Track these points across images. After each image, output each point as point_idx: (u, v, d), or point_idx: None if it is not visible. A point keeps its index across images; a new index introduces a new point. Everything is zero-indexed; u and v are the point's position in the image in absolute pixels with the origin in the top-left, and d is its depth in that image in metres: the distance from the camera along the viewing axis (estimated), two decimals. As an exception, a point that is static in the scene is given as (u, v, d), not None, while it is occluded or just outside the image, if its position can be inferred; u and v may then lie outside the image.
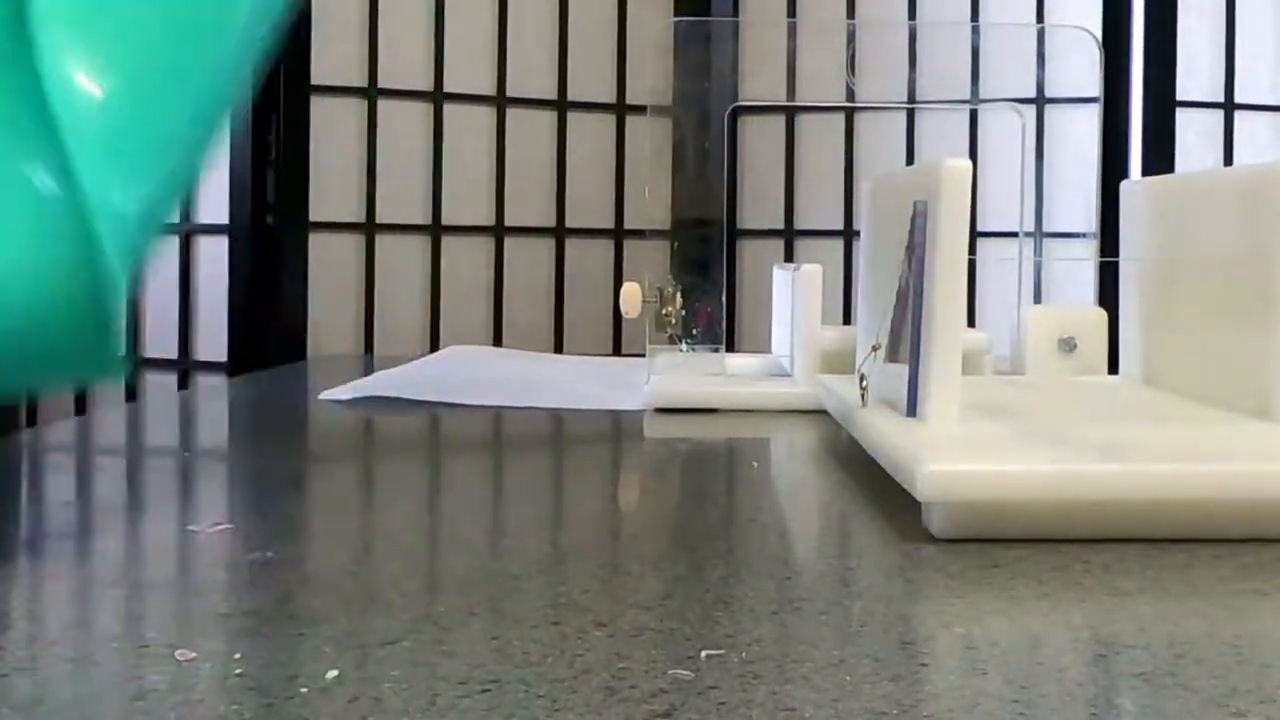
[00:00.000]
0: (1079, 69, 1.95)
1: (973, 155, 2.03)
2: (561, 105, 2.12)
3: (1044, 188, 2.02)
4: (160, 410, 1.06)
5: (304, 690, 0.35)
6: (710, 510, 0.63)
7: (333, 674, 0.36)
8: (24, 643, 0.39)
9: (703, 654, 0.38)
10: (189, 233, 2.00)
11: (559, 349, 2.10)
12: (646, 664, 0.37)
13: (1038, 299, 1.13)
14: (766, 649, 0.39)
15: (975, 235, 1.97)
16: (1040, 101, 2.01)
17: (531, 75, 2.10)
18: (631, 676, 0.36)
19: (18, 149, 0.46)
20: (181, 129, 0.52)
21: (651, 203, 1.12)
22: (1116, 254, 0.87)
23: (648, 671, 0.37)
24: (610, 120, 2.16)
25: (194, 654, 0.38)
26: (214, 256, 1.99)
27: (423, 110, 2.04)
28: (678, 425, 0.90)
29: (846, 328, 0.99)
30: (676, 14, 2.13)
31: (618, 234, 2.16)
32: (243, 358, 1.94)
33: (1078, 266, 1.40)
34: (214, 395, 1.18)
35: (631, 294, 1.04)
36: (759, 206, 2.19)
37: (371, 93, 1.99)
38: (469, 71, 2.06)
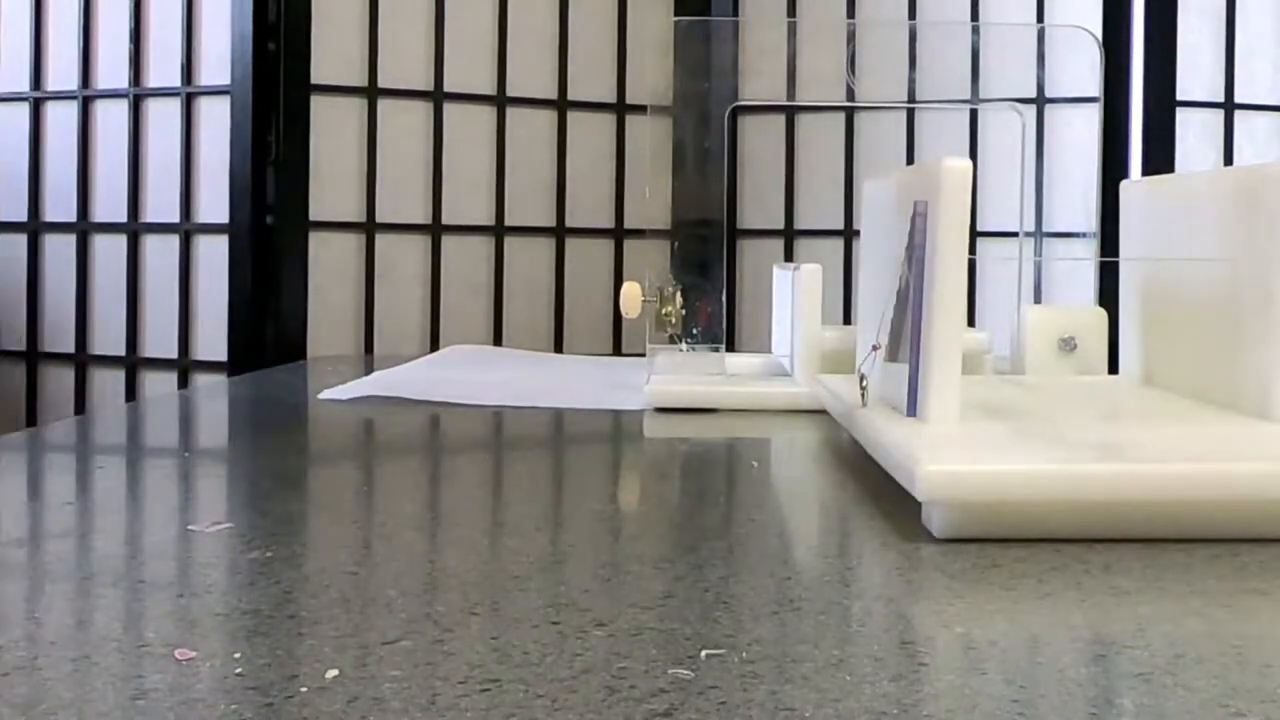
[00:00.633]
0: (1079, 69, 1.95)
1: (973, 155, 2.03)
2: (561, 105, 2.12)
3: (1044, 188, 2.02)
4: (160, 410, 1.06)
5: (304, 690, 0.35)
6: (710, 510, 0.63)
7: (333, 674, 0.36)
8: (24, 643, 0.39)
9: (703, 654, 0.38)
10: (189, 232, 2.00)
11: (559, 349, 2.10)
12: (646, 664, 0.37)
13: (1038, 299, 1.13)
14: (766, 649, 0.39)
15: (975, 235, 1.96)
16: (1040, 101, 2.01)
17: (531, 75, 2.10)
18: (631, 676, 0.36)
19: None
20: None
21: (651, 203, 1.12)
22: (1116, 254, 0.87)
23: (648, 671, 0.37)
24: (610, 120, 2.16)
25: (194, 654, 0.38)
26: (214, 256, 1.99)
27: (423, 110, 2.04)
28: (678, 425, 0.90)
29: (846, 328, 0.99)
30: (676, 14, 2.13)
31: (618, 234, 2.16)
32: (242, 357, 1.94)
33: (1078, 266, 1.40)
34: (213, 395, 1.18)
35: (631, 294, 1.04)
36: (759, 206, 2.19)
37: (371, 93, 1.99)
38: (469, 71, 2.06)
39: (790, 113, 2.18)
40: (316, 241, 1.97)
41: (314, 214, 1.96)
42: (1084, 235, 1.94)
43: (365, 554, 0.52)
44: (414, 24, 2.03)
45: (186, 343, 2.02)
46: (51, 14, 2.08)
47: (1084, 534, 0.53)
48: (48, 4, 2.08)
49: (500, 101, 2.08)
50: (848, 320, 1.88)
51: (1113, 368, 0.91)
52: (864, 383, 0.72)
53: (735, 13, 2.19)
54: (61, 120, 2.08)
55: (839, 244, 2.14)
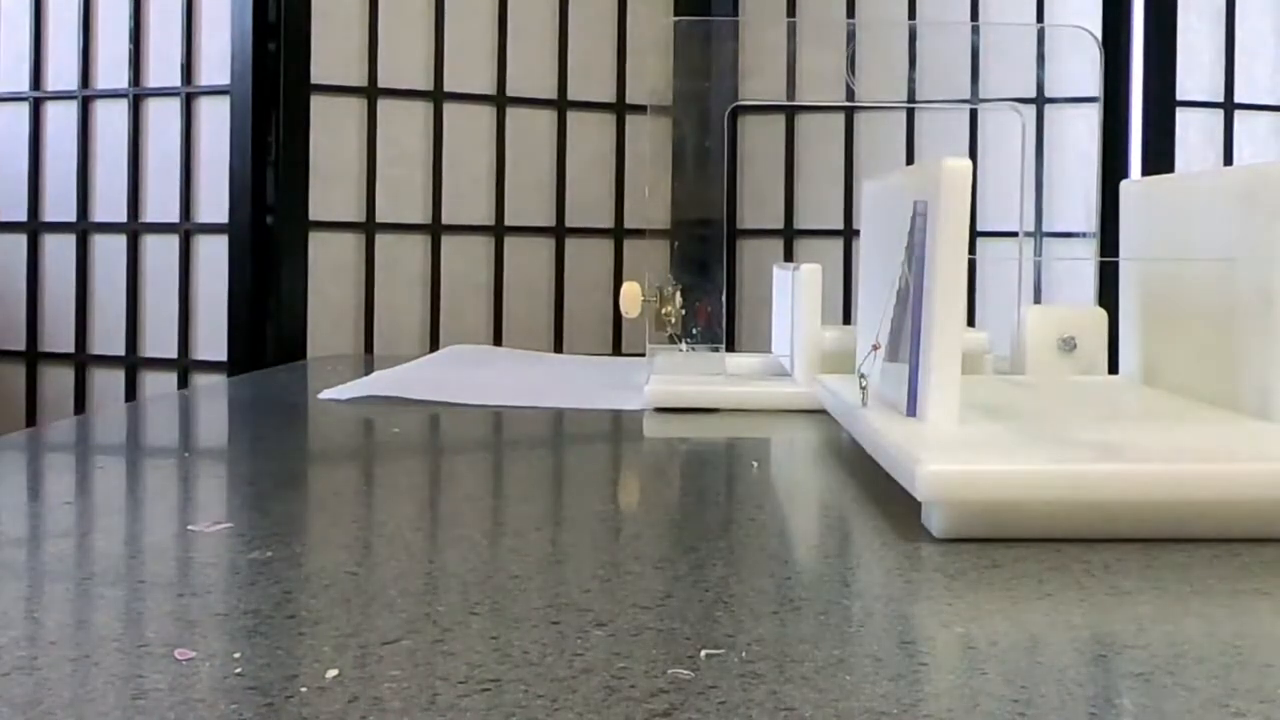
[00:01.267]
0: (1079, 69, 1.95)
1: (973, 155, 2.03)
2: (561, 105, 2.12)
3: (1044, 188, 2.02)
4: (160, 410, 1.06)
5: (304, 690, 0.35)
6: (710, 510, 0.63)
7: (333, 674, 0.36)
8: (24, 643, 0.39)
9: (703, 654, 0.38)
10: (189, 232, 2.00)
11: (559, 349, 2.10)
12: (646, 664, 0.37)
13: (1038, 299, 1.13)
14: (766, 649, 0.39)
15: (975, 235, 1.96)
16: (1040, 101, 2.01)
17: (531, 75, 2.10)
18: (631, 676, 0.36)
19: None
20: None
21: (651, 202, 1.12)
22: (1116, 254, 0.87)
23: (648, 671, 0.37)
24: (610, 120, 2.16)
25: (193, 653, 0.38)
26: (214, 256, 1.99)
27: (423, 110, 2.04)
28: (678, 425, 0.90)
29: (846, 328, 0.99)
30: (676, 14, 2.13)
31: (618, 234, 2.16)
32: (242, 357, 1.94)
33: (1078, 266, 1.40)
34: (213, 395, 1.18)
35: (631, 294, 1.04)
36: (759, 206, 2.19)
37: (371, 92, 1.99)
38: (469, 71, 2.06)
39: (790, 113, 2.18)
40: (316, 241, 1.97)
41: (314, 214, 1.96)
42: (1084, 235, 1.94)
43: (365, 554, 0.52)
44: (414, 24, 2.03)
45: (186, 343, 2.02)
46: (51, 14, 2.08)
47: (1084, 534, 0.53)
48: (48, 4, 2.08)
49: (500, 101, 2.08)
50: (848, 320, 1.88)
51: (1113, 368, 0.91)
52: (864, 383, 0.72)
53: (735, 13, 2.19)
54: (61, 120, 2.08)
55: (839, 244, 2.14)
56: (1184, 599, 0.46)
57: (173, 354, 2.02)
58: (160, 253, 2.03)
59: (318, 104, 1.96)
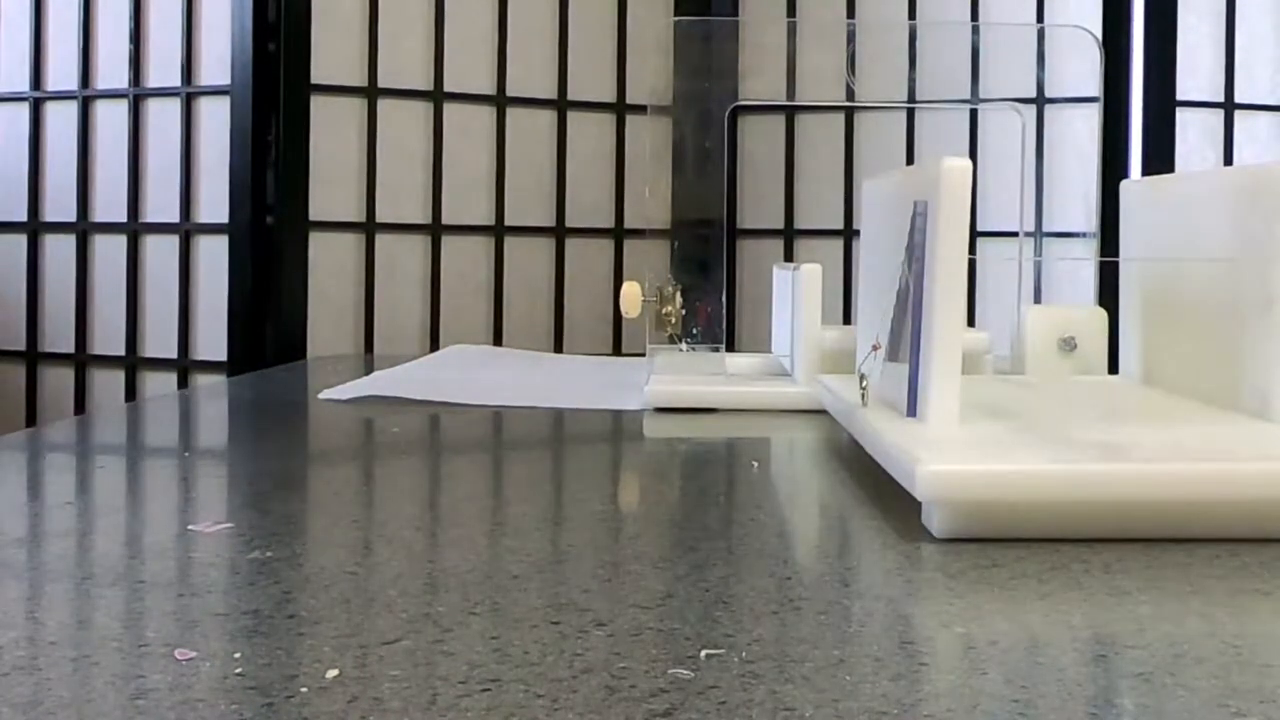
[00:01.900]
0: (1079, 69, 1.95)
1: (973, 155, 2.03)
2: (561, 105, 2.12)
3: (1044, 188, 2.02)
4: (160, 410, 1.06)
5: (304, 690, 0.35)
6: (710, 510, 0.63)
7: (333, 674, 0.36)
8: (24, 643, 0.39)
9: (703, 654, 0.38)
10: (189, 232, 2.00)
11: (559, 349, 2.10)
12: (646, 664, 0.37)
13: (1038, 299, 1.13)
14: (766, 649, 0.39)
15: (975, 235, 1.96)
16: (1040, 101, 2.01)
17: (531, 75, 2.10)
18: (631, 676, 0.36)
19: None
20: None
21: (651, 202, 1.12)
22: (1116, 254, 0.87)
23: (648, 671, 0.37)
24: (610, 120, 2.16)
25: (193, 653, 0.38)
26: (214, 256, 1.99)
27: (423, 110, 2.04)
28: (678, 425, 0.90)
29: (846, 328, 0.99)
30: (676, 14, 2.13)
31: (618, 234, 2.16)
32: (242, 357, 1.94)
33: (1078, 266, 1.40)
34: (213, 395, 1.18)
35: (631, 294, 1.04)
36: (759, 206, 2.19)
37: (371, 92, 1.99)
38: (469, 71, 2.06)
39: (790, 113, 2.18)
40: (316, 241, 1.97)
41: (314, 214, 1.96)
42: (1084, 235, 1.94)
43: (365, 554, 0.52)
44: (414, 24, 2.03)
45: (186, 343, 2.02)
46: (51, 14, 2.08)
47: (1084, 534, 0.53)
48: (48, 4, 2.08)
49: (500, 101, 2.08)
50: (848, 320, 1.87)
51: (1113, 368, 0.91)
52: (864, 383, 0.72)
53: (735, 13, 2.19)
54: (61, 120, 2.08)
55: (839, 244, 2.14)
56: (1184, 599, 0.46)
57: (173, 354, 2.02)
58: (160, 253, 2.03)
59: (318, 104, 1.96)
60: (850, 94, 1.91)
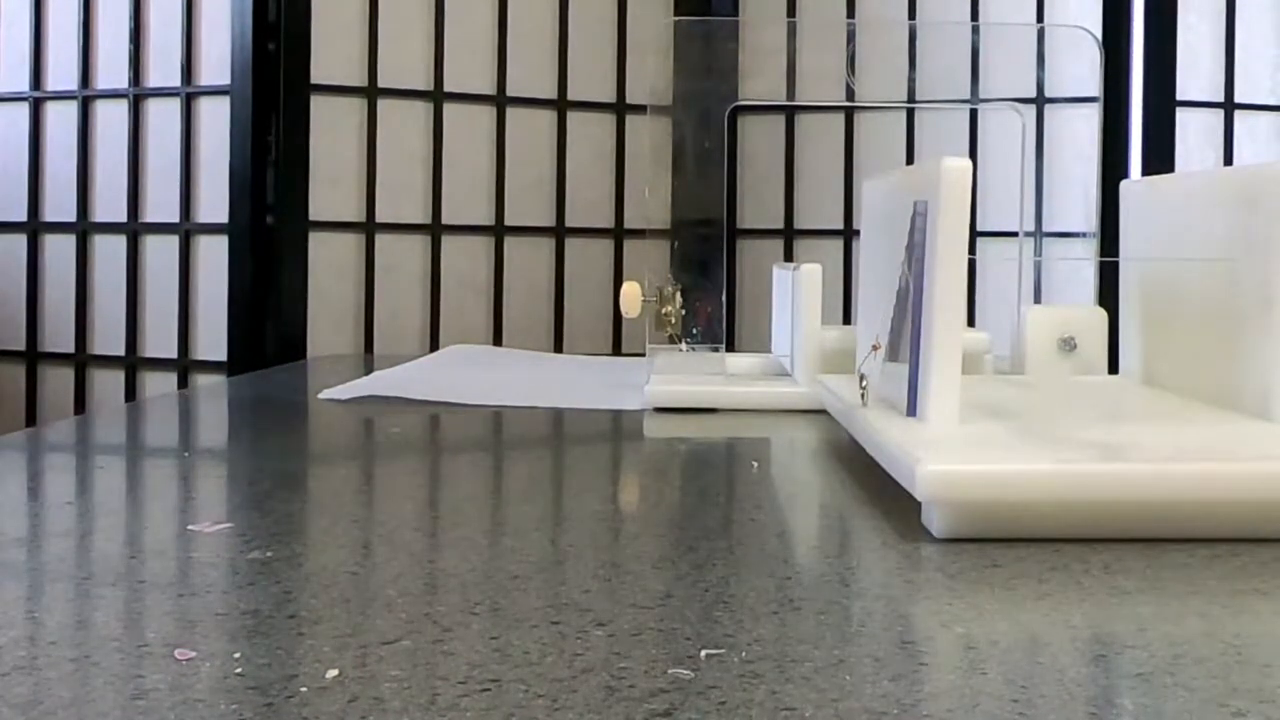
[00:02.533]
0: (1079, 69, 1.95)
1: (973, 155, 2.02)
2: (561, 105, 2.12)
3: (1044, 188, 2.02)
4: (160, 410, 1.06)
5: (304, 690, 0.35)
6: (710, 510, 0.63)
7: (333, 674, 0.36)
8: (24, 643, 0.39)
9: (703, 654, 0.38)
10: (189, 232, 2.00)
11: (559, 349, 2.10)
12: (646, 664, 0.37)
13: (1038, 299, 1.13)
14: (766, 649, 0.39)
15: (975, 235, 1.96)
16: (1040, 101, 2.01)
17: (531, 75, 2.10)
18: (631, 676, 0.36)
19: None
20: None
21: (651, 202, 1.12)
22: (1116, 254, 0.87)
23: (648, 671, 0.37)
24: (610, 120, 2.16)
25: (193, 653, 0.38)
26: (214, 256, 1.99)
27: (423, 110, 2.04)
28: (678, 425, 0.90)
29: (846, 328, 0.99)
30: (676, 14, 2.13)
31: (618, 234, 2.16)
32: (242, 357, 1.94)
33: (1078, 266, 1.40)
34: (213, 395, 1.18)
35: (631, 294, 1.04)
36: (759, 206, 2.19)
37: (371, 92, 1.99)
38: (469, 71, 2.06)
39: (790, 113, 2.18)
40: (316, 241, 1.97)
41: (314, 214, 1.96)
42: (1084, 235, 1.94)
43: (365, 554, 0.52)
44: (414, 24, 2.03)
45: (186, 343, 2.02)
46: (51, 14, 2.08)
47: (1084, 534, 0.53)
48: (48, 4, 2.08)
49: (500, 101, 2.08)
50: (848, 320, 1.87)
51: (1113, 368, 0.91)
52: (864, 383, 0.72)
53: (735, 13, 2.19)
54: (61, 120, 2.08)
55: (839, 244, 2.14)
56: (1184, 599, 0.46)
57: (173, 354, 2.02)
58: (160, 253, 2.03)
59: (318, 104, 1.96)
60: (850, 94, 1.91)
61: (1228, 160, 2.08)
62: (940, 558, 0.51)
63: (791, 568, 0.50)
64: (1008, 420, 0.67)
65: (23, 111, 2.09)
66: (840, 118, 2.15)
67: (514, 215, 2.10)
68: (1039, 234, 2.01)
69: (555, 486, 0.72)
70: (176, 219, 2.01)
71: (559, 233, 2.13)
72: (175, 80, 2.01)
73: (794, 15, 2.19)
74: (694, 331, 1.07)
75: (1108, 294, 0.94)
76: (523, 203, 2.10)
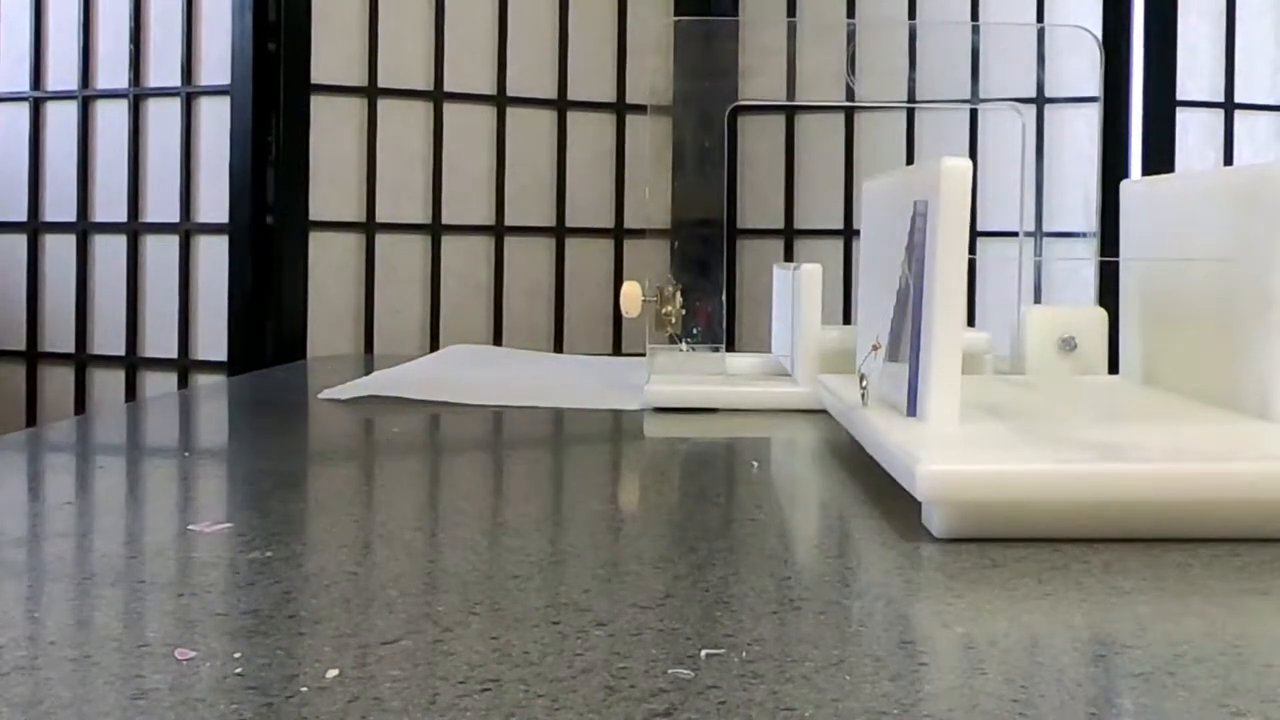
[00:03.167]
0: (1079, 69, 1.95)
1: (973, 155, 2.02)
2: (561, 105, 2.12)
3: (1044, 188, 2.02)
4: (160, 410, 1.06)
5: (304, 690, 0.35)
6: (710, 510, 0.63)
7: (333, 674, 0.36)
8: (24, 643, 0.39)
9: (703, 654, 0.38)
10: (189, 232, 2.00)
11: (559, 349, 2.10)
12: (646, 664, 0.37)
13: (1038, 299, 1.13)
14: (766, 649, 0.39)
15: (975, 235, 1.96)
16: (1040, 101, 2.01)
17: (531, 75, 2.10)
18: (631, 676, 0.36)
19: None
20: None
21: (651, 202, 1.12)
22: (1116, 254, 0.87)
23: (648, 671, 0.37)
24: (610, 120, 2.16)
25: (193, 653, 0.38)
26: (214, 256, 1.99)
27: (423, 110, 2.04)
28: (678, 425, 0.90)
29: (846, 328, 0.99)
30: (676, 14, 2.13)
31: (618, 234, 2.16)
32: (242, 357, 1.94)
33: (1078, 266, 1.40)
34: (213, 395, 1.18)
35: (631, 294, 1.04)
36: (759, 206, 2.19)
37: (371, 92, 1.99)
38: (469, 71, 2.06)
39: (790, 113, 2.18)
40: (316, 241, 1.97)
41: (314, 214, 1.96)
42: (1084, 235, 1.94)
43: (365, 554, 0.52)
44: (414, 24, 2.03)
45: (186, 343, 2.02)
46: (51, 14, 2.08)
47: (1084, 534, 0.53)
48: (48, 4, 2.08)
49: (500, 101, 2.08)
50: (848, 320, 1.87)
51: (1113, 368, 0.91)
52: (864, 383, 0.72)
53: (735, 13, 2.19)
54: (61, 120, 2.08)
55: (839, 244, 2.14)
56: (1184, 599, 0.46)
57: (173, 354, 2.02)
58: (160, 253, 2.03)
59: (318, 104, 1.96)
60: (850, 94, 1.91)
61: (1228, 160, 2.08)
62: (940, 558, 0.51)
63: (791, 568, 0.50)
64: (1008, 420, 0.67)
65: (23, 111, 2.09)
66: (840, 118, 2.15)
67: (514, 215, 2.10)
68: (1039, 234, 2.01)
69: (555, 486, 0.72)
70: (176, 219, 2.01)
71: (559, 233, 2.13)
72: (175, 80, 2.01)
73: (794, 15, 2.19)
74: (694, 331, 1.07)
75: (1108, 294, 0.94)
76: (523, 203, 2.10)
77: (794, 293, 1.00)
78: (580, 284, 2.14)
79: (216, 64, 1.98)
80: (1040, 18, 2.06)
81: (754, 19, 2.20)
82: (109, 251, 2.06)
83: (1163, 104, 2.04)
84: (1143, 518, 0.53)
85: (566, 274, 2.13)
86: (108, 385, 2.07)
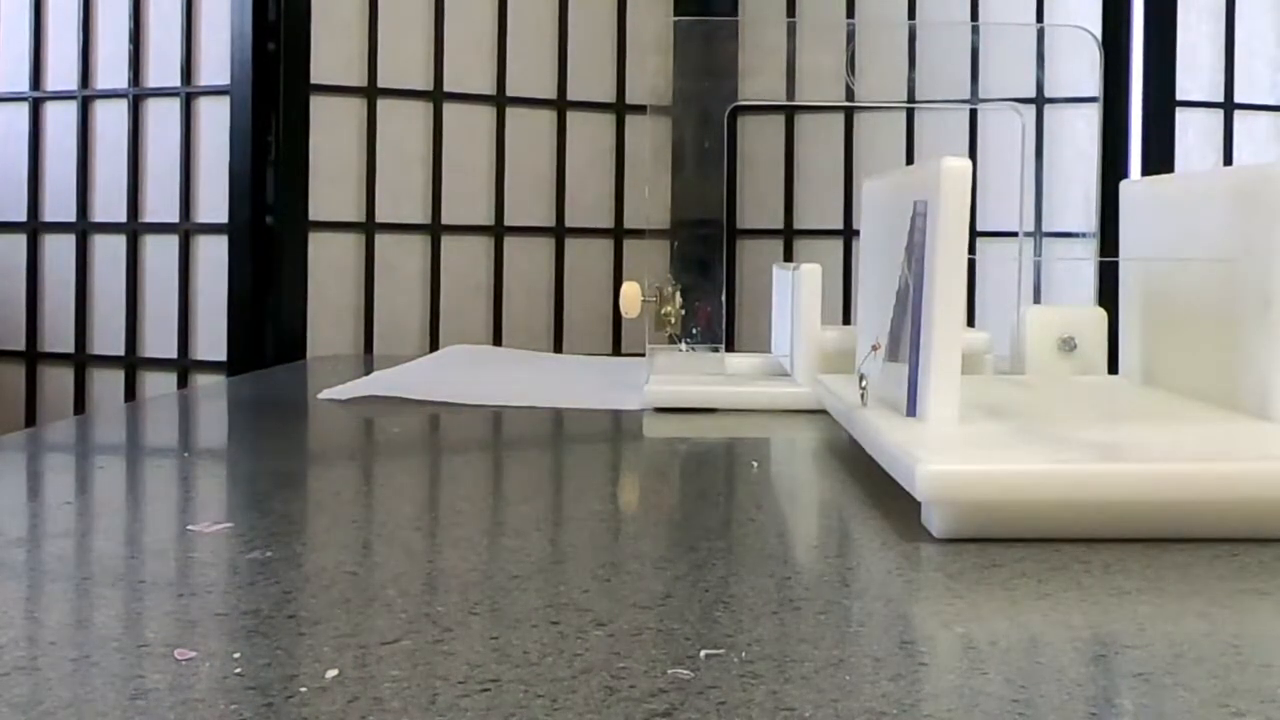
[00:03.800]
0: (1079, 69, 1.95)
1: (973, 155, 2.02)
2: (561, 105, 2.12)
3: (1044, 188, 2.02)
4: (160, 410, 1.06)
5: (304, 690, 0.35)
6: (710, 510, 0.63)
7: (333, 674, 0.36)
8: (24, 643, 0.39)
9: (703, 654, 0.38)
10: (189, 232, 2.00)
11: (559, 349, 2.10)
12: (646, 664, 0.37)
13: (1038, 299, 1.13)
14: (766, 649, 0.39)
15: (975, 235, 1.96)
16: (1040, 101, 2.01)
17: (531, 75, 2.10)
18: (631, 676, 0.36)
19: None
20: None
21: (651, 202, 1.12)
22: (1116, 254, 0.87)
23: (648, 671, 0.37)
24: (610, 120, 2.16)
25: (193, 653, 0.38)
26: (214, 256, 1.99)
27: (423, 110, 2.04)
28: (678, 425, 0.90)
29: (846, 328, 0.99)
30: (676, 14, 2.13)
31: (618, 234, 2.16)
32: (242, 357, 1.94)
33: (1078, 266, 1.40)
34: (213, 395, 1.18)
35: (631, 294, 1.04)
36: (759, 206, 2.19)
37: (371, 92, 1.99)
38: (469, 71, 2.06)
39: (790, 113, 2.18)
40: (316, 241, 1.97)
41: (314, 214, 1.96)
42: (1084, 235, 1.94)
43: (365, 554, 0.52)
44: (414, 24, 2.03)
45: (186, 343, 2.01)
46: (51, 14, 2.08)
47: (1084, 534, 0.53)
48: (48, 4, 2.08)
49: (500, 101, 2.08)
50: (848, 320, 1.87)
51: (1113, 368, 0.91)
52: (864, 383, 0.72)
53: (735, 13, 2.19)
54: (61, 120, 2.08)
55: (839, 244, 2.14)
56: (1184, 599, 0.46)
57: (173, 354, 2.02)
58: (160, 253, 2.03)
59: (318, 104, 1.96)
60: (850, 94, 1.90)
61: (1228, 160, 2.08)
62: (940, 558, 0.51)
63: (791, 568, 0.50)
64: (1008, 420, 0.67)
65: (23, 111, 2.09)
66: (840, 118, 2.15)
67: (514, 215, 2.10)
68: (1039, 234, 2.01)
69: (555, 486, 0.72)
70: (176, 219, 2.01)
71: (559, 233, 2.13)
72: (175, 80, 2.00)
73: (794, 15, 2.19)
74: (694, 331, 1.07)
75: (1108, 294, 0.94)
76: (523, 203, 2.10)
77: (794, 293, 1.00)
78: (580, 284, 2.14)
79: (216, 64, 1.98)
80: (1040, 18, 2.06)
81: (754, 19, 2.20)
82: (109, 251, 2.06)
83: (1162, 104, 2.04)
84: (1143, 518, 0.53)
85: (566, 274, 2.13)
86: (107, 385, 2.07)
